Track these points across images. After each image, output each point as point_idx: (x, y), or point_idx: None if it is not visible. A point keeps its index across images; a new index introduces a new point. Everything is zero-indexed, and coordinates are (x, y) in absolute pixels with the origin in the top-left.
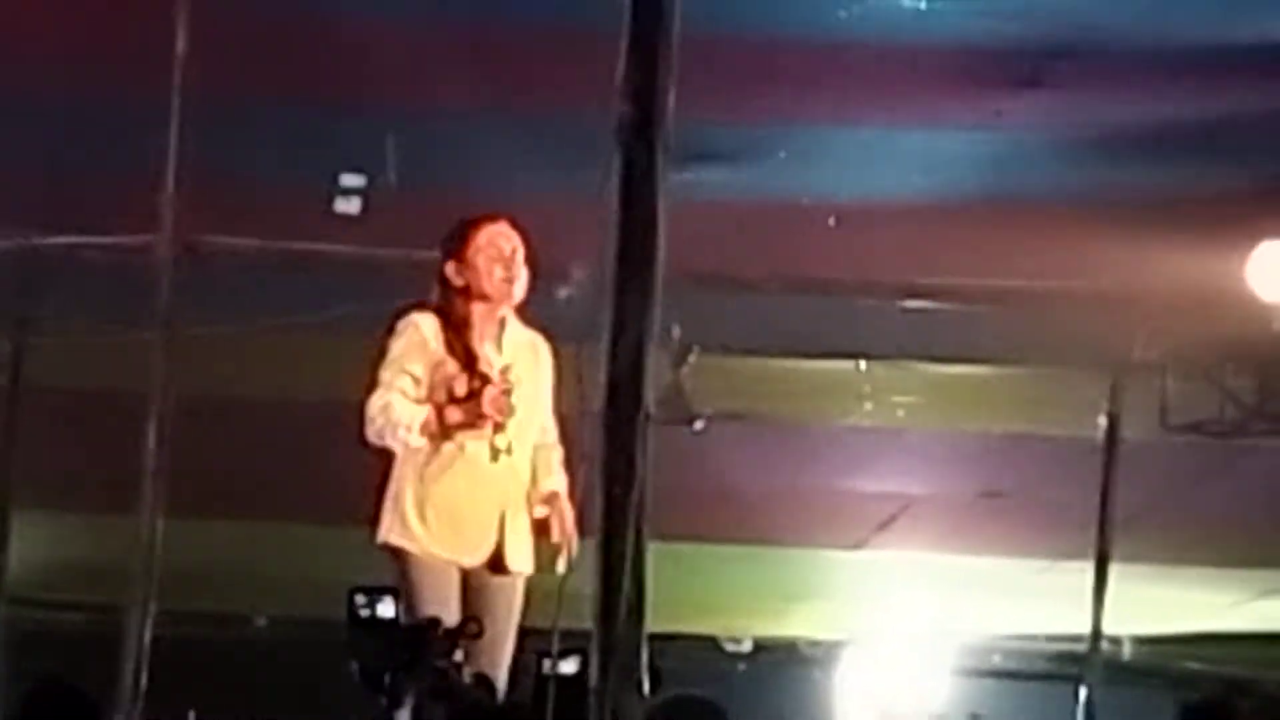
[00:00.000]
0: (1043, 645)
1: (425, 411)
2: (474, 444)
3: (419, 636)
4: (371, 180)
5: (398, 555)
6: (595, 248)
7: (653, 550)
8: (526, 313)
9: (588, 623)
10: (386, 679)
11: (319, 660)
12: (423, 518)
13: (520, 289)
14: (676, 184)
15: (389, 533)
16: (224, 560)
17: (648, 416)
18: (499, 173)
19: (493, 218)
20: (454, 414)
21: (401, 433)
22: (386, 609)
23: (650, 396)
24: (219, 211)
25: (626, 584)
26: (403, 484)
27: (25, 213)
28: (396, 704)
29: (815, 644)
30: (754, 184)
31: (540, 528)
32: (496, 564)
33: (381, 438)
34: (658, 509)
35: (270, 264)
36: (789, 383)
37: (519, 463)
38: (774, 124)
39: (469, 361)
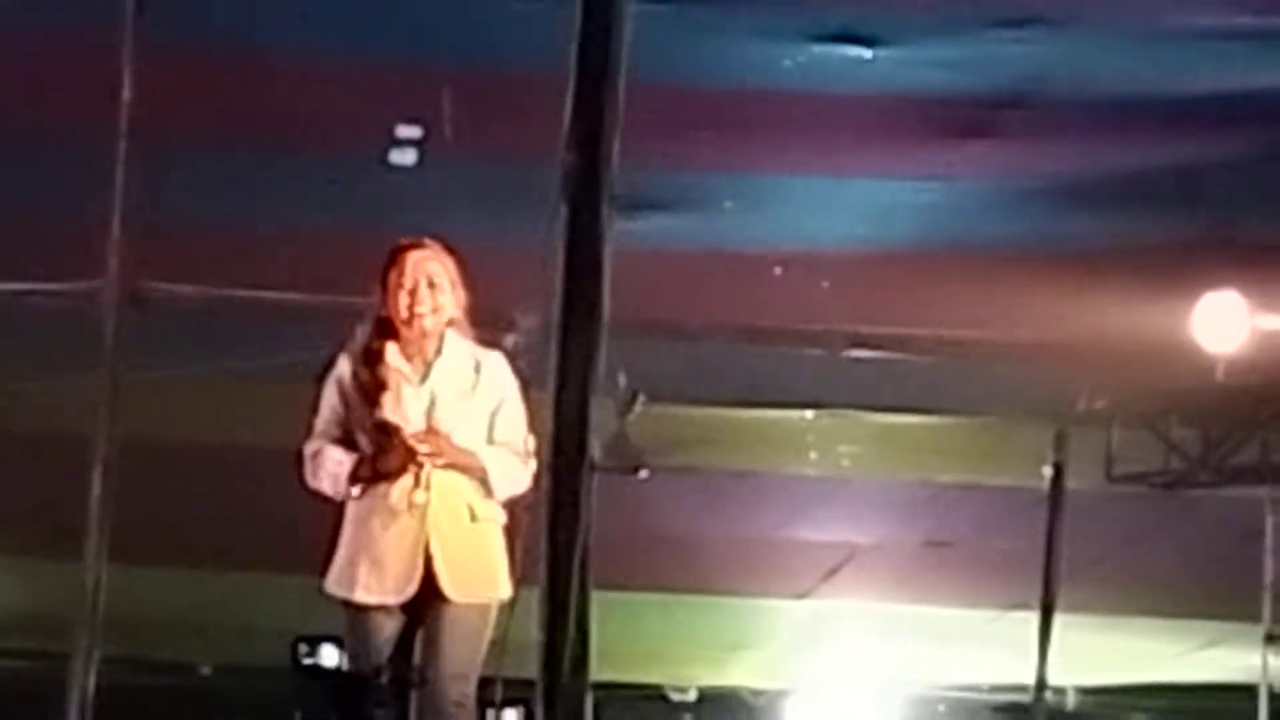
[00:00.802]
0: (988, 695)
1: (352, 460)
2: (385, 485)
3: (361, 685)
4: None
5: (340, 603)
6: (541, 295)
7: (597, 599)
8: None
9: (532, 672)
10: None
11: (264, 708)
12: (351, 563)
13: (436, 317)
14: (622, 232)
15: (328, 581)
16: (169, 607)
17: (593, 466)
18: (444, 219)
19: (416, 244)
20: (380, 463)
21: (331, 484)
22: (329, 657)
23: (595, 445)
24: (163, 257)
25: (571, 632)
26: (341, 532)
27: None
28: None
29: (760, 693)
30: (700, 233)
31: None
32: (437, 594)
33: (319, 485)
34: (603, 558)
35: (215, 310)
36: (735, 432)
37: (442, 491)
38: (720, 173)
39: (373, 403)
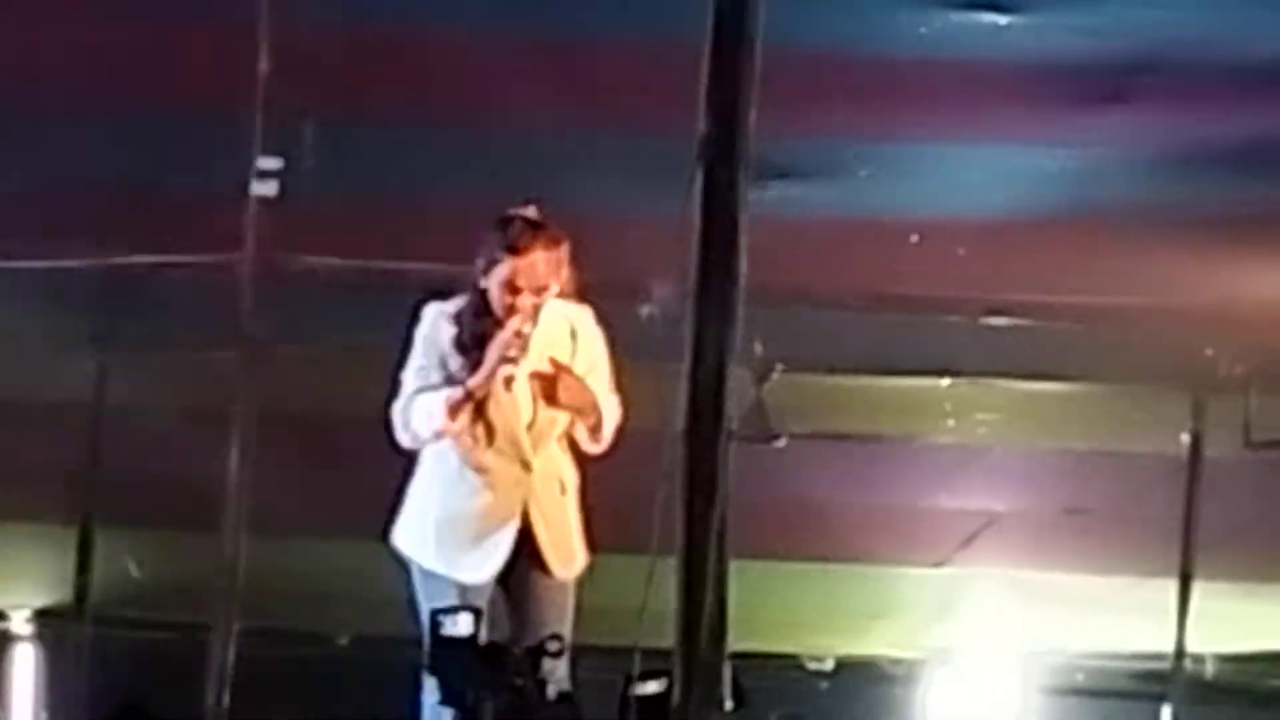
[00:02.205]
0: (1126, 663)
1: (447, 392)
2: (487, 458)
3: (498, 654)
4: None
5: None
6: (677, 265)
7: (734, 569)
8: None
9: (670, 642)
10: (467, 697)
11: (403, 679)
12: (430, 529)
13: (534, 322)
14: (758, 201)
15: (396, 534)
16: (307, 579)
17: (730, 435)
18: (580, 190)
19: (529, 247)
20: (475, 380)
21: (427, 421)
22: (466, 627)
23: (732, 414)
24: (300, 230)
25: (708, 603)
26: (415, 489)
27: (106, 232)
28: None
29: (898, 662)
30: (836, 201)
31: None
32: (540, 567)
33: (416, 438)
34: (739, 527)
35: (351, 282)
36: (871, 400)
37: (543, 466)
38: (856, 141)
39: (478, 355)
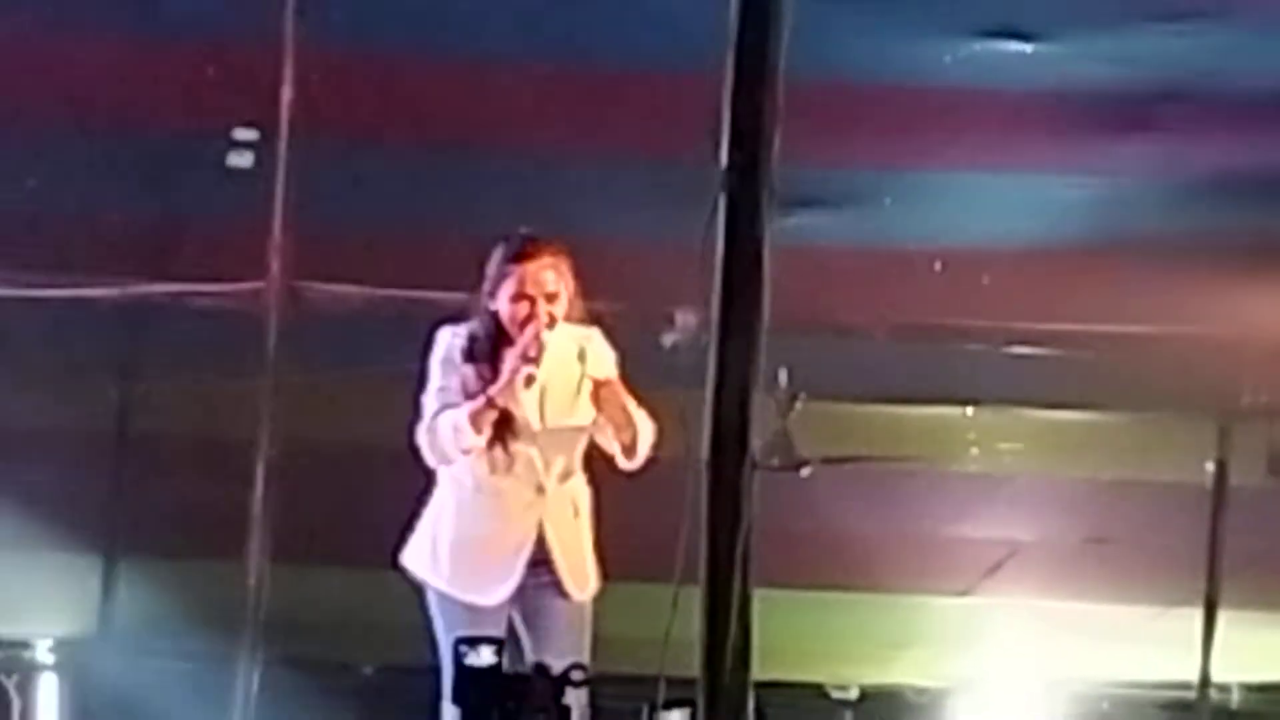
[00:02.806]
0: (1151, 693)
1: (470, 405)
2: (502, 482)
3: (521, 685)
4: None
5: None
6: (700, 294)
7: (758, 598)
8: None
9: (694, 671)
10: None
11: (426, 709)
12: (444, 550)
13: (551, 330)
14: (782, 230)
15: (405, 556)
16: (331, 608)
17: (754, 463)
18: (603, 218)
19: (534, 253)
20: (496, 387)
21: (454, 437)
22: (489, 657)
23: (756, 443)
24: (324, 259)
25: (732, 631)
26: (425, 511)
27: (130, 260)
28: None
29: (922, 691)
30: (860, 229)
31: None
32: (556, 589)
33: (444, 456)
34: (763, 556)
35: (376, 311)
36: (895, 429)
37: (556, 489)
38: (880, 169)
39: (493, 374)
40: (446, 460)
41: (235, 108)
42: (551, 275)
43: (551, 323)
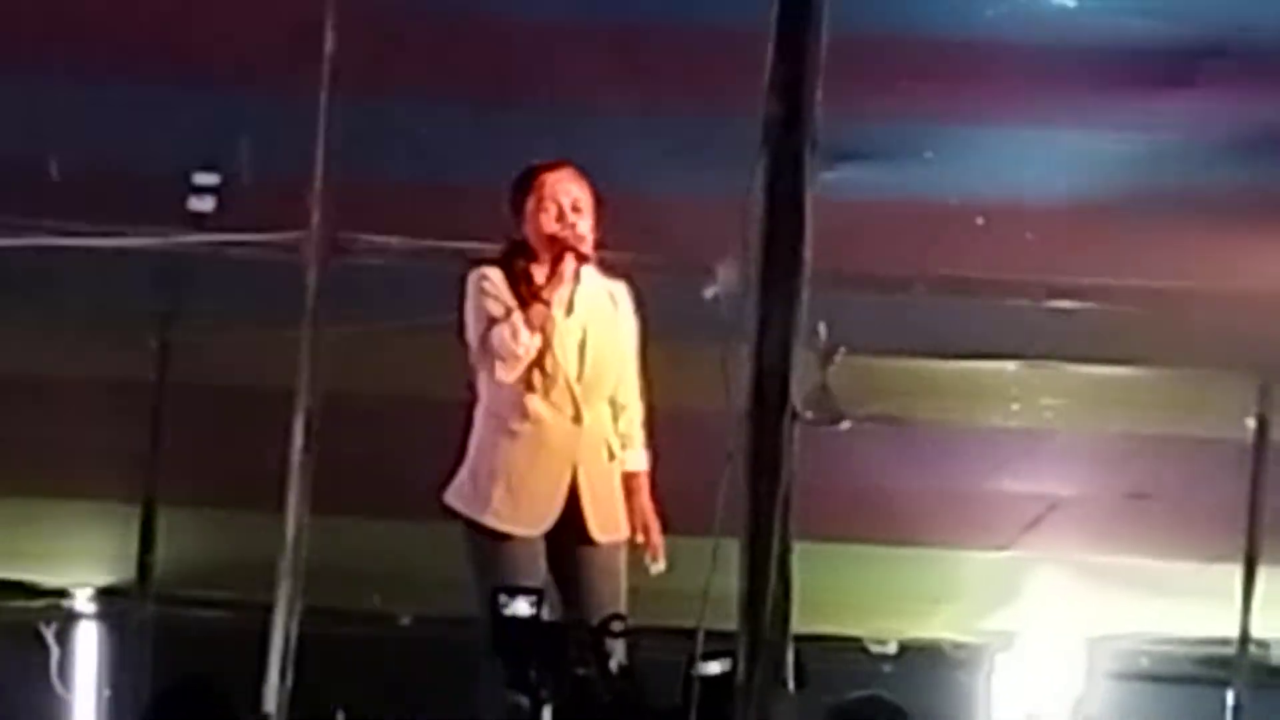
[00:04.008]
0: (1190, 648)
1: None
2: (540, 406)
3: (560, 634)
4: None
5: (465, 523)
6: (741, 247)
7: (798, 551)
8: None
9: (733, 624)
10: (531, 677)
11: (464, 659)
12: (484, 483)
13: (583, 238)
14: (823, 183)
15: (449, 494)
16: (369, 558)
17: (794, 416)
18: (644, 171)
19: (553, 166)
20: (543, 279)
21: (510, 336)
22: (527, 607)
23: (796, 397)
24: (366, 209)
25: (772, 584)
26: (469, 446)
27: (171, 210)
28: (540, 703)
29: (961, 646)
30: (901, 183)
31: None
32: (580, 535)
33: (503, 357)
34: (803, 510)
35: (418, 262)
36: (936, 383)
37: (593, 424)
38: (921, 123)
39: (530, 292)
40: (507, 363)
41: (281, 61)
42: (575, 186)
43: (577, 233)
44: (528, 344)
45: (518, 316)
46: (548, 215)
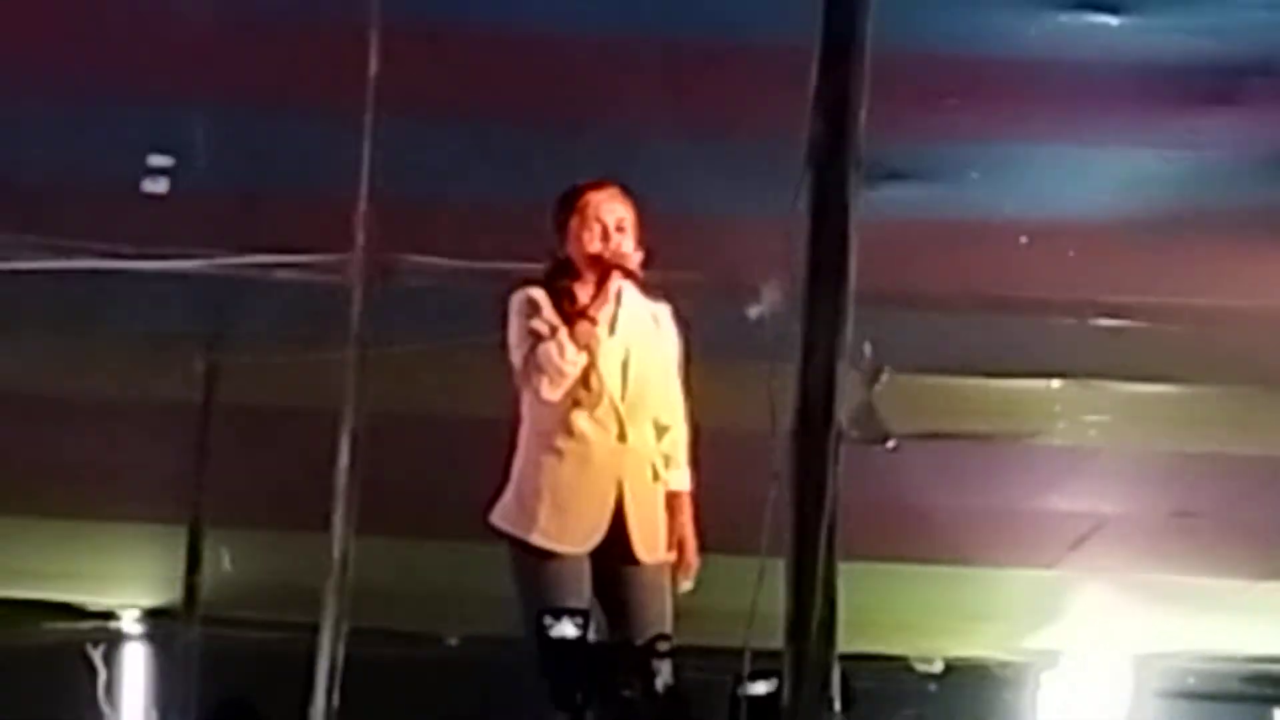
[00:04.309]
0: (1237, 666)
1: (565, 328)
2: (585, 424)
3: (606, 655)
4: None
5: (512, 543)
6: (786, 267)
7: (843, 570)
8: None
9: (779, 643)
10: (577, 697)
11: (511, 679)
12: (530, 502)
13: (627, 257)
14: (868, 202)
15: (494, 515)
16: (416, 579)
17: (840, 435)
18: (689, 191)
19: (598, 185)
20: (589, 297)
21: (557, 354)
22: (574, 629)
23: (842, 416)
24: (411, 231)
25: (818, 603)
26: (514, 466)
27: (217, 233)
28: None
29: (1007, 664)
30: (945, 202)
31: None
32: (624, 554)
33: (549, 376)
34: (848, 529)
35: (462, 283)
36: (981, 402)
37: (637, 443)
38: (966, 142)
39: (575, 309)
40: (553, 381)
41: (324, 81)
42: (620, 206)
43: (621, 251)
44: (574, 360)
45: (563, 334)
46: (591, 234)
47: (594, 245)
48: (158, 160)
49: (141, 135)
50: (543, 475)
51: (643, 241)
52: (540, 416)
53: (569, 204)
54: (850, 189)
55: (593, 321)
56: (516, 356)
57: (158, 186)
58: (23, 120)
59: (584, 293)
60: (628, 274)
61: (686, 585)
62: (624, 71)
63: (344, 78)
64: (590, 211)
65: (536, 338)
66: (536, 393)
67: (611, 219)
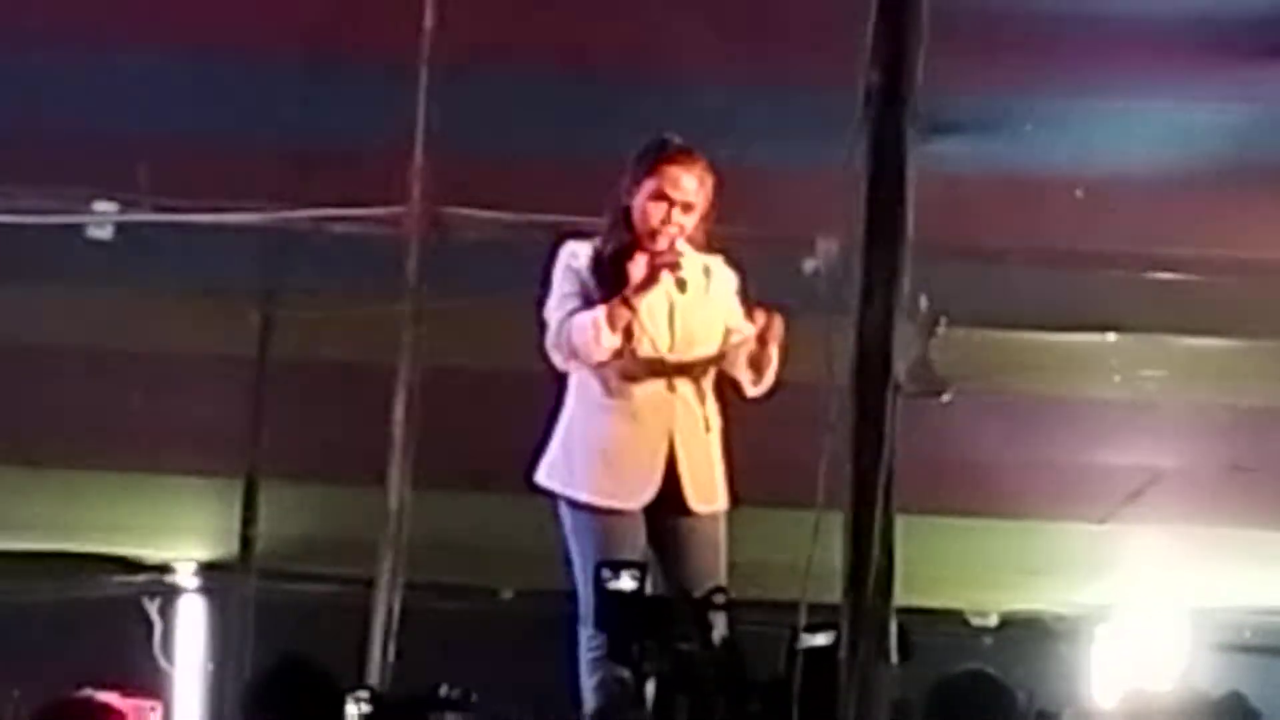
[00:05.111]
0: None
1: (603, 307)
2: (632, 380)
3: (663, 608)
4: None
5: (562, 501)
6: (842, 220)
7: (899, 523)
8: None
9: (836, 596)
10: (634, 651)
11: (567, 633)
12: (580, 461)
13: (681, 238)
14: (924, 155)
15: (540, 474)
16: (471, 532)
17: (897, 388)
18: (746, 144)
19: (680, 157)
20: (633, 287)
21: (593, 331)
22: (630, 581)
23: (899, 368)
24: (467, 184)
25: (875, 557)
26: (559, 423)
27: (273, 187)
28: (643, 676)
29: (1061, 618)
30: (1001, 155)
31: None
32: (678, 507)
33: (575, 353)
34: (904, 483)
35: (517, 236)
36: (1037, 355)
37: (686, 394)
38: (1021, 95)
39: (619, 278)
40: (577, 358)
41: (378, 34)
42: (694, 185)
43: (680, 233)
44: (608, 345)
45: (602, 315)
46: (657, 208)
47: (654, 220)
48: (102, 206)
49: (199, 90)
50: (592, 432)
51: (715, 210)
52: (587, 373)
53: (648, 161)
54: (906, 141)
55: (633, 310)
56: (553, 317)
57: (103, 233)
58: (84, 77)
59: (632, 273)
60: (680, 280)
61: (763, 387)
62: (681, 23)
63: (398, 30)
64: (664, 183)
65: (574, 307)
66: (563, 363)
67: (681, 199)
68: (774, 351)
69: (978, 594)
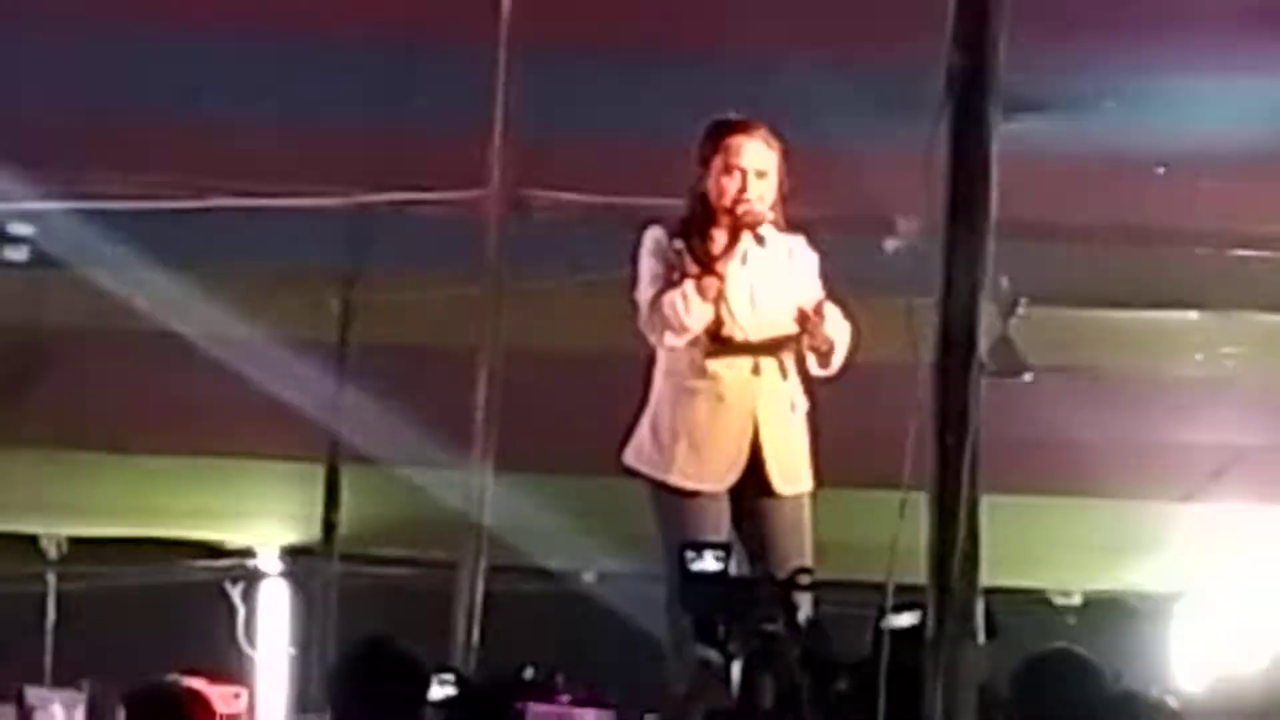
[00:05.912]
0: None
1: (691, 280)
2: (717, 361)
3: (748, 589)
4: None
5: (649, 483)
6: (923, 200)
7: (983, 503)
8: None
9: (922, 576)
10: (719, 632)
11: (650, 616)
12: (666, 442)
13: (761, 206)
14: (1006, 134)
15: (628, 454)
16: (553, 515)
17: (981, 367)
18: (826, 124)
19: (744, 127)
20: (717, 251)
21: (683, 305)
22: (715, 562)
23: (982, 348)
24: (548, 166)
25: (961, 536)
26: (647, 406)
27: (354, 171)
28: (728, 657)
29: (1145, 597)
30: (1082, 133)
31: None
32: (763, 488)
33: (670, 327)
34: (987, 461)
35: (598, 218)
36: (1118, 334)
37: (770, 376)
38: (1103, 73)
39: (705, 254)
40: (675, 332)
41: (457, 17)
42: (760, 148)
43: (762, 200)
44: (699, 315)
45: (690, 286)
46: (731, 181)
47: (730, 194)
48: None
49: (278, 74)
50: (678, 414)
51: (787, 183)
52: (673, 356)
53: (713, 140)
54: (990, 121)
55: (720, 278)
56: (642, 299)
57: (18, 254)
58: (164, 63)
59: (716, 243)
60: (758, 236)
61: (831, 369)
62: (763, 6)
63: (477, 13)
64: (732, 156)
65: (662, 285)
66: (660, 340)
67: (752, 167)
68: (829, 335)
69: (1061, 573)
